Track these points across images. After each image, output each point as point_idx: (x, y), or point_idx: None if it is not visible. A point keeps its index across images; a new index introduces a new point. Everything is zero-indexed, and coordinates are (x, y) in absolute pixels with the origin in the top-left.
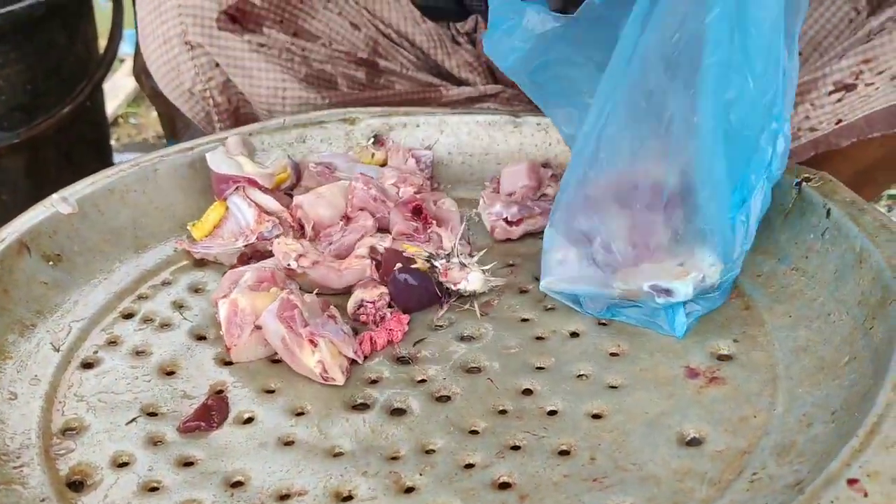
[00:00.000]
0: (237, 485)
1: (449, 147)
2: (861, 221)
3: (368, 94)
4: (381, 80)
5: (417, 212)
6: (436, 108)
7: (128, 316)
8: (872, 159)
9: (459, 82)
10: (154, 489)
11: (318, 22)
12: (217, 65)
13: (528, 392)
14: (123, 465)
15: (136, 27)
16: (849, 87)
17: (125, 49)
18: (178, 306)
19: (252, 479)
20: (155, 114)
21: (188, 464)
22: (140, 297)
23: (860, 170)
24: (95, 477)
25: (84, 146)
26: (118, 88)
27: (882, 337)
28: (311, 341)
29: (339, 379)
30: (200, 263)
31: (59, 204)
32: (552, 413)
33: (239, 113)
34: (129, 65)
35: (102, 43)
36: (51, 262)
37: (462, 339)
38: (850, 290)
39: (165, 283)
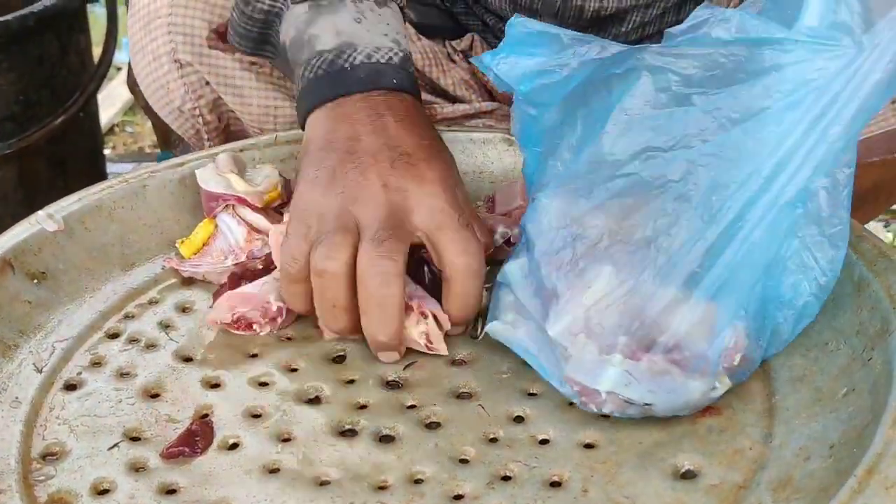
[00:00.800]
0: None
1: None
2: (860, 249)
3: None
4: None
5: (420, 263)
6: (440, 126)
7: (113, 336)
8: (871, 183)
9: (455, 100)
10: None
11: None
12: (207, 83)
13: (519, 419)
14: (104, 492)
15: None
16: None
17: (121, 58)
18: (165, 326)
19: None
20: (150, 123)
21: (171, 491)
22: (126, 317)
23: (860, 194)
24: None
25: (77, 157)
26: (114, 97)
27: (881, 369)
28: (422, 313)
29: (445, 350)
30: (188, 282)
31: (44, 221)
32: (544, 442)
33: (229, 131)
34: (125, 73)
35: (97, 53)
36: (35, 281)
37: (453, 362)
38: (847, 320)
39: (152, 302)
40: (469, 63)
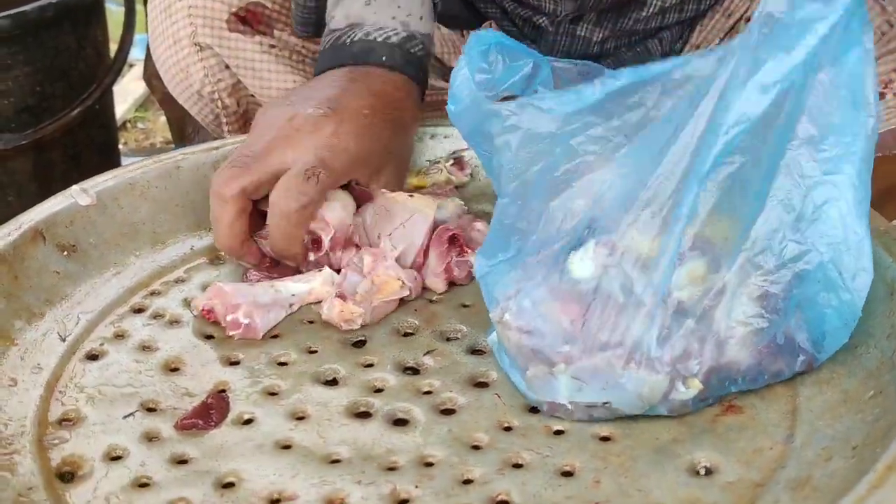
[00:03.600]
0: (229, 486)
1: (476, 160)
2: (894, 251)
3: None
4: None
5: (453, 240)
6: None
7: (138, 311)
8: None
9: None
10: (144, 485)
11: None
12: (227, 67)
13: (534, 410)
14: (116, 458)
15: (148, 30)
16: (878, 96)
17: (135, 54)
18: (189, 304)
19: (244, 480)
20: (163, 119)
21: (182, 461)
22: (152, 293)
23: (885, 188)
24: (86, 469)
25: (92, 149)
26: (126, 93)
27: None
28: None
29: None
30: (216, 263)
31: (78, 195)
32: (559, 433)
33: (248, 116)
34: (137, 70)
35: (113, 47)
36: (65, 252)
37: (472, 351)
38: (878, 323)
39: (179, 281)
40: None
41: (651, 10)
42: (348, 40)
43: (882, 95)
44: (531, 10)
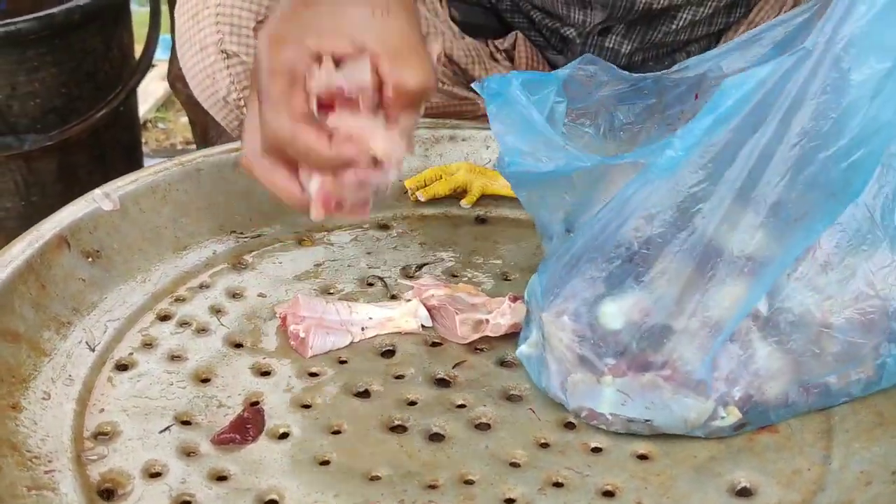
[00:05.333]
0: (271, 503)
1: (492, 163)
2: None
3: None
4: None
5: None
6: (484, 123)
7: (164, 318)
8: None
9: None
10: (186, 503)
11: None
12: None
13: (570, 426)
14: (156, 475)
15: (172, 33)
16: None
17: (159, 55)
18: (216, 311)
19: (286, 498)
20: (183, 119)
21: (221, 478)
22: (177, 300)
23: None
24: (127, 487)
25: (116, 150)
26: (147, 93)
27: None
28: None
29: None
30: (239, 268)
31: (101, 200)
32: (596, 450)
33: None
34: (159, 70)
35: (138, 49)
36: (90, 259)
37: (502, 363)
38: None
39: (203, 287)
40: (511, 62)
41: (681, 23)
42: None
43: None
44: (559, 21)
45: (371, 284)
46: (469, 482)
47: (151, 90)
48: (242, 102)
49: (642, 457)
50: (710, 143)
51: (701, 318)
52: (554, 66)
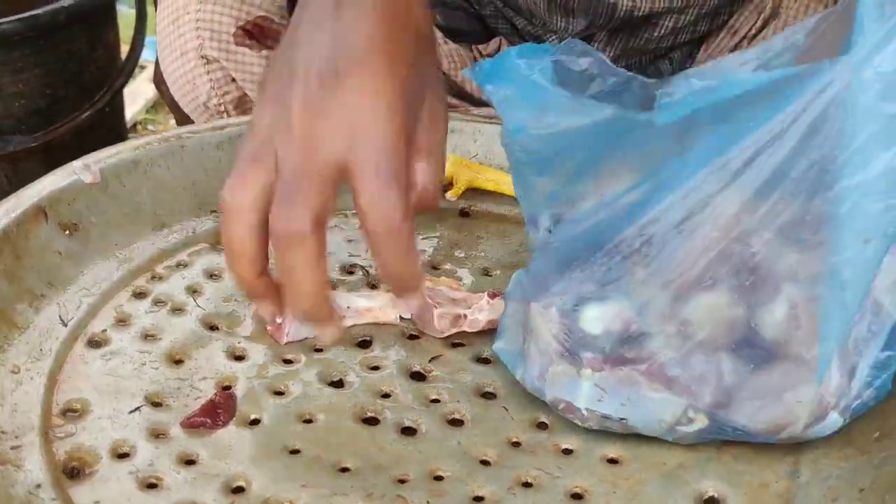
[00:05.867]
0: (238, 490)
1: (479, 157)
2: None
3: None
4: None
5: None
6: (474, 116)
7: (140, 295)
8: None
9: (480, 103)
10: (153, 486)
11: None
12: (233, 80)
13: (543, 426)
14: (124, 455)
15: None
16: None
17: (147, 56)
18: (192, 291)
19: (253, 485)
20: (173, 121)
21: (190, 462)
22: (154, 277)
23: None
24: (94, 466)
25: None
26: (137, 94)
27: None
28: None
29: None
30: (217, 248)
31: (81, 171)
32: (567, 452)
33: None
34: (149, 71)
35: (125, 49)
36: (67, 232)
37: (479, 360)
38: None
39: (181, 265)
40: None
41: (663, 30)
42: None
43: None
44: (541, 28)
45: (350, 272)
46: (439, 478)
47: (141, 91)
48: (223, 108)
49: (613, 461)
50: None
51: (685, 323)
52: None
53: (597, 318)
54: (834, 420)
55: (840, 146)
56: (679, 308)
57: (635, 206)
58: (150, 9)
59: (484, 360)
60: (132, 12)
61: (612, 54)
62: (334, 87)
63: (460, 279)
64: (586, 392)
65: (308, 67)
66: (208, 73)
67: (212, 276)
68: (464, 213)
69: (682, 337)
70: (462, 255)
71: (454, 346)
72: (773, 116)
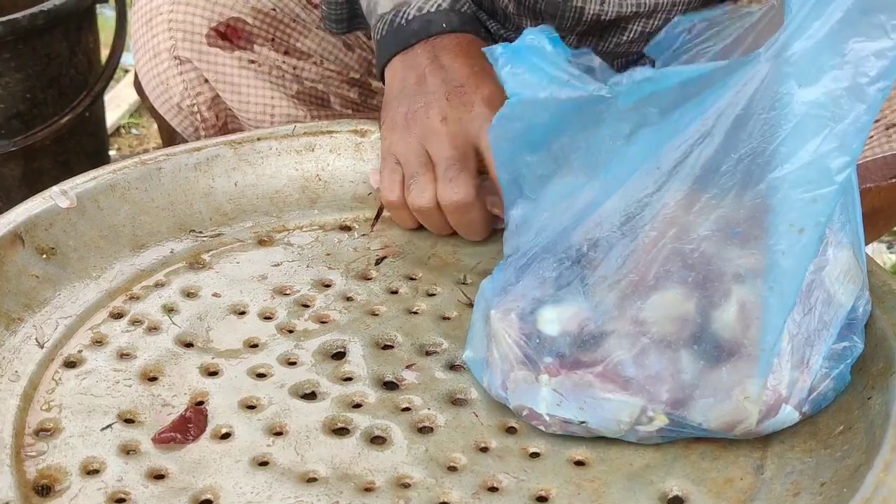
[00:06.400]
0: (205, 503)
1: None
2: (871, 285)
3: (362, 117)
4: (375, 100)
5: None
6: None
7: (117, 316)
8: (870, 207)
9: None
10: (121, 500)
11: (311, 41)
12: (206, 80)
13: (512, 430)
14: (94, 472)
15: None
16: None
17: (129, 60)
18: (169, 310)
19: (221, 498)
20: (156, 126)
21: (159, 476)
22: (131, 298)
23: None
24: (63, 483)
25: (82, 157)
26: (121, 98)
27: (878, 409)
28: None
29: None
30: (196, 267)
31: (58, 197)
32: (534, 455)
33: (227, 129)
34: (132, 75)
35: (106, 53)
36: (44, 256)
37: (452, 367)
38: None
39: (158, 285)
40: None
41: (632, 34)
42: (403, 21)
43: None
44: (514, 32)
45: (327, 286)
46: (406, 485)
47: (125, 96)
48: (196, 109)
49: (579, 463)
50: (661, 145)
51: (637, 323)
52: None
53: (553, 321)
54: (789, 414)
55: (766, 139)
56: (632, 307)
57: (581, 210)
58: (131, 13)
59: (457, 368)
60: (115, 15)
61: None
62: (462, 100)
63: (435, 287)
64: (546, 397)
65: (435, 93)
66: (181, 73)
67: (189, 294)
68: None
69: (637, 335)
70: (439, 264)
71: (427, 353)
72: (702, 114)
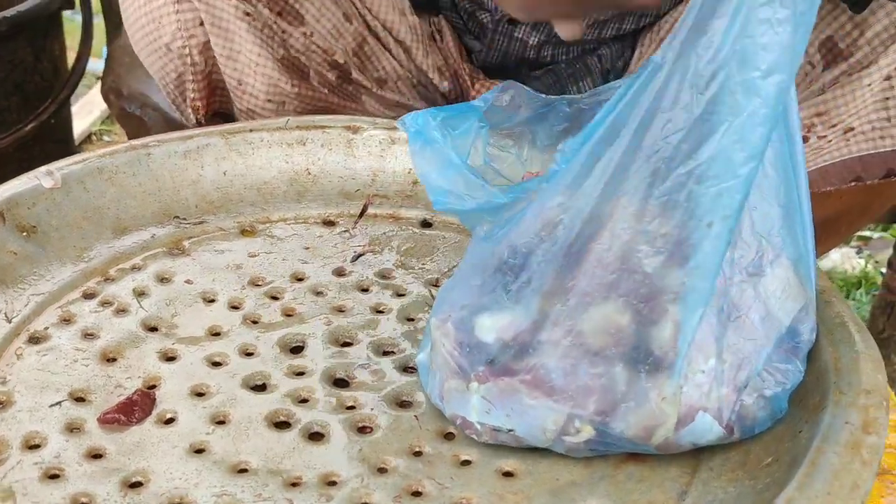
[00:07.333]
0: (136, 485)
1: None
2: (824, 315)
3: (338, 100)
4: (350, 87)
5: None
6: None
7: (89, 296)
8: (834, 210)
9: (434, 86)
10: (55, 476)
11: (311, 5)
12: (201, 23)
13: (449, 436)
14: (34, 447)
15: (108, 45)
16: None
17: (100, 66)
18: (139, 294)
19: (151, 481)
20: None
21: (97, 456)
22: (106, 280)
23: (822, 220)
24: (3, 454)
25: (47, 164)
26: (93, 105)
27: (804, 444)
28: None
29: None
30: (175, 253)
31: (43, 177)
32: (465, 463)
33: (211, 78)
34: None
35: (72, 57)
36: (25, 234)
37: (405, 369)
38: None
39: (134, 268)
40: (440, 48)
41: (587, 20)
42: None
43: (806, 139)
44: (476, 5)
45: (300, 279)
46: (332, 483)
47: (97, 101)
48: (187, 51)
49: (507, 474)
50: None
51: (564, 329)
52: (471, 52)
53: (489, 328)
54: (708, 424)
55: (669, 137)
56: (561, 316)
57: (513, 222)
58: (98, 19)
59: (410, 370)
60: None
61: (537, 39)
62: None
63: (408, 287)
64: (476, 405)
65: None
66: (177, 12)
67: (162, 279)
68: (425, 224)
69: (573, 347)
70: (415, 263)
71: (385, 353)
72: (610, 116)
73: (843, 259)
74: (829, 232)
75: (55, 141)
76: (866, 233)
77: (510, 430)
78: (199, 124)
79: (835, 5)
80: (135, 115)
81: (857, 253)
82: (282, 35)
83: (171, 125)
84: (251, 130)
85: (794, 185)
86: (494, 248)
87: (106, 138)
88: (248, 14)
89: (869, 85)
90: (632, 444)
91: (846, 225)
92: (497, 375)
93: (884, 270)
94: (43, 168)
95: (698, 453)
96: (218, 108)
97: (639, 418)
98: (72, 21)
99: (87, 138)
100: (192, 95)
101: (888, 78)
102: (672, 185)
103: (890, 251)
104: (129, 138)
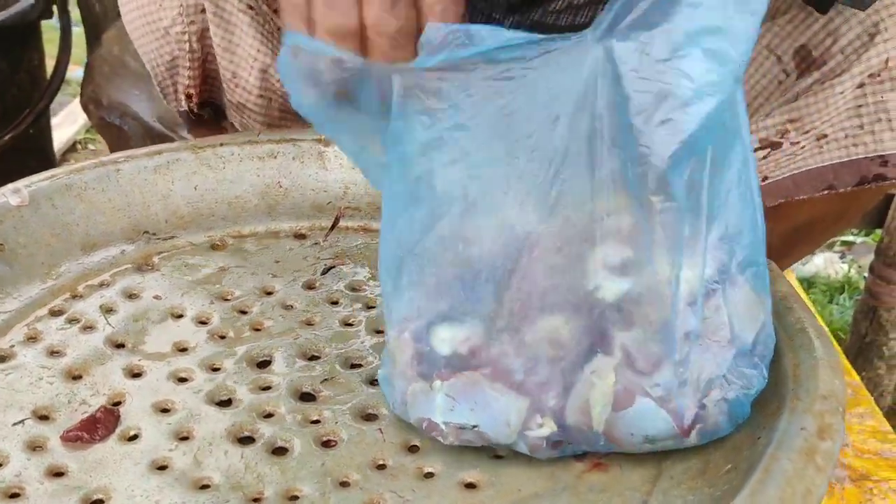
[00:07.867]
0: (97, 503)
1: None
2: (785, 321)
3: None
4: None
5: None
6: None
7: (56, 313)
8: (808, 216)
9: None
10: (14, 496)
11: None
12: (202, 10)
13: (414, 449)
14: None
15: (88, 54)
16: (774, 145)
17: (77, 75)
18: (107, 310)
19: (112, 499)
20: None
21: (58, 474)
22: (73, 297)
23: (796, 226)
24: None
25: (27, 175)
26: (76, 114)
27: (761, 451)
28: None
29: None
30: (144, 269)
31: (10, 194)
32: (429, 475)
33: (205, 66)
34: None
35: (51, 65)
36: None
37: (371, 382)
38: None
39: (103, 285)
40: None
41: (559, 4)
42: None
43: (779, 144)
44: None
45: (269, 293)
46: (294, 498)
47: (81, 111)
48: (186, 38)
49: (470, 485)
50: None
51: (527, 345)
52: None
53: (445, 340)
54: (650, 409)
55: (608, 119)
56: (520, 331)
57: (451, 232)
58: (77, 29)
59: (376, 383)
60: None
61: (511, 21)
62: None
63: (377, 298)
64: (440, 404)
65: None
66: None
67: (130, 296)
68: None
69: (526, 357)
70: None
71: (352, 367)
72: (541, 100)
73: (826, 264)
74: (803, 239)
75: (35, 151)
76: (849, 238)
77: (474, 426)
78: (189, 112)
79: (808, 13)
80: (114, 125)
81: (841, 258)
82: (276, 33)
83: (151, 135)
84: (221, 144)
85: (750, 194)
86: (450, 261)
87: (91, 147)
88: (251, 7)
89: (842, 93)
90: (583, 437)
91: (820, 232)
92: (459, 370)
93: (867, 275)
94: (10, 185)
95: (660, 462)
96: (207, 98)
97: (575, 400)
98: (55, 29)
99: (72, 147)
100: (186, 83)
101: (861, 86)
102: (617, 166)
103: (872, 256)
104: (110, 148)
